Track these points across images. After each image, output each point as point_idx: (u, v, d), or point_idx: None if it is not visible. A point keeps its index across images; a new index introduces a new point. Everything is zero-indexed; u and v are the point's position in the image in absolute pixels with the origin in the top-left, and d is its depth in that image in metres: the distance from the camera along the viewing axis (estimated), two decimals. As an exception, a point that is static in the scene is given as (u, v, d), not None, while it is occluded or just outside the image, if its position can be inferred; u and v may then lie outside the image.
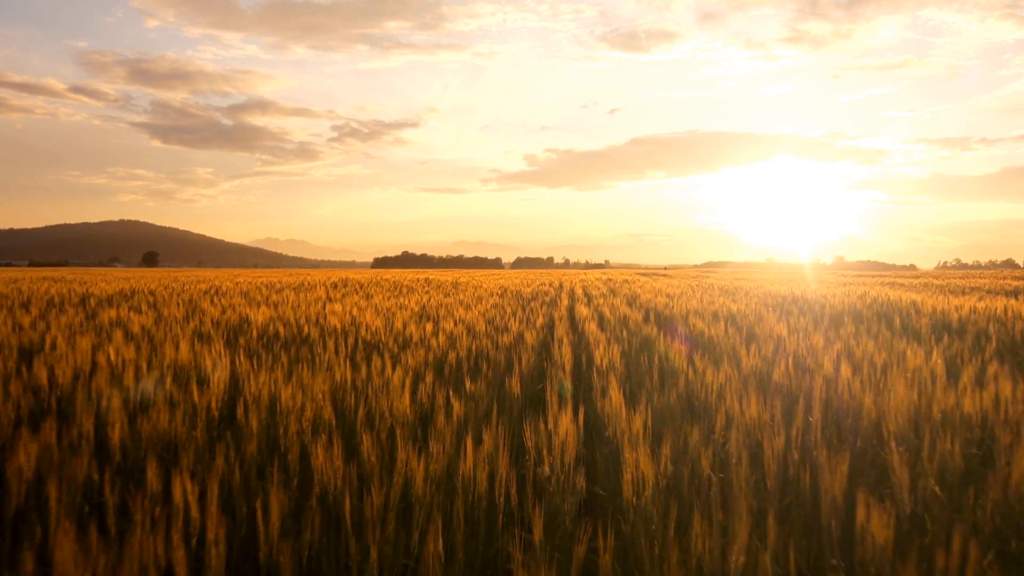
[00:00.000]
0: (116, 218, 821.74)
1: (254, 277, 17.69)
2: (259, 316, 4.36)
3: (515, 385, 2.85)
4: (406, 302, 7.10)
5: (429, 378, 2.84)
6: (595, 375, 2.87)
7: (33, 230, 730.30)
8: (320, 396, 2.23)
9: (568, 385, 3.00)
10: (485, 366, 3.35)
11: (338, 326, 4.14)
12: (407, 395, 2.33)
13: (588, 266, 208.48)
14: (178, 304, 6.12)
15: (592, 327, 4.51)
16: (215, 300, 6.96)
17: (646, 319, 5.64)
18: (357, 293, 9.33)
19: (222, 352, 2.87)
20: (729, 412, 2.19)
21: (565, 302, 7.78)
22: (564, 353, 3.37)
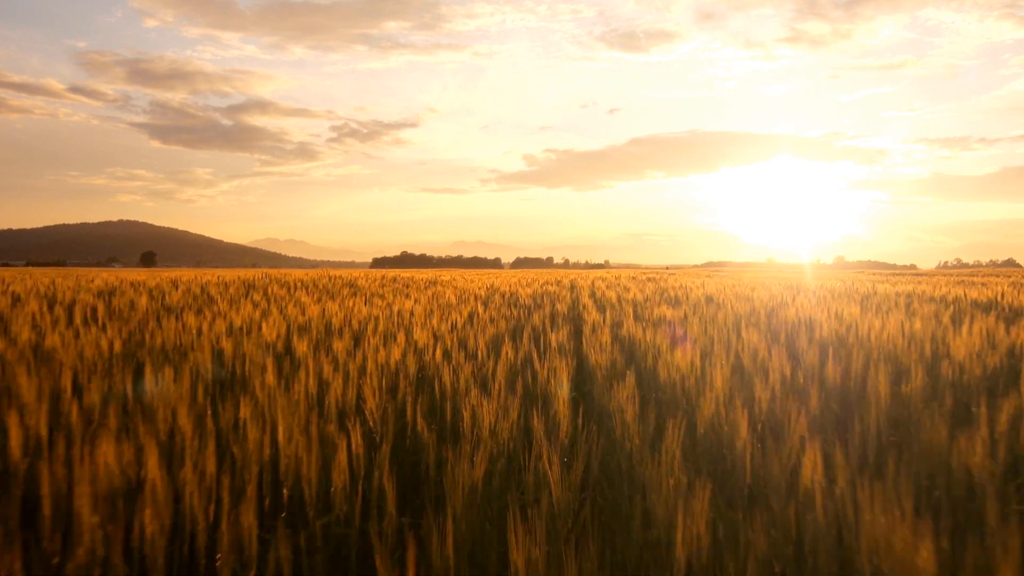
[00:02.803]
0: (115, 218, 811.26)
1: (179, 275, 14.00)
2: None
3: None
4: (266, 319, 3.44)
5: None
6: None
7: (32, 230, 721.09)
8: None
9: None
10: None
11: None
12: None
13: (588, 266, 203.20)
14: None
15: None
16: None
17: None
18: (235, 301, 5.66)
19: None
20: None
21: (603, 337, 3.31)
22: None
